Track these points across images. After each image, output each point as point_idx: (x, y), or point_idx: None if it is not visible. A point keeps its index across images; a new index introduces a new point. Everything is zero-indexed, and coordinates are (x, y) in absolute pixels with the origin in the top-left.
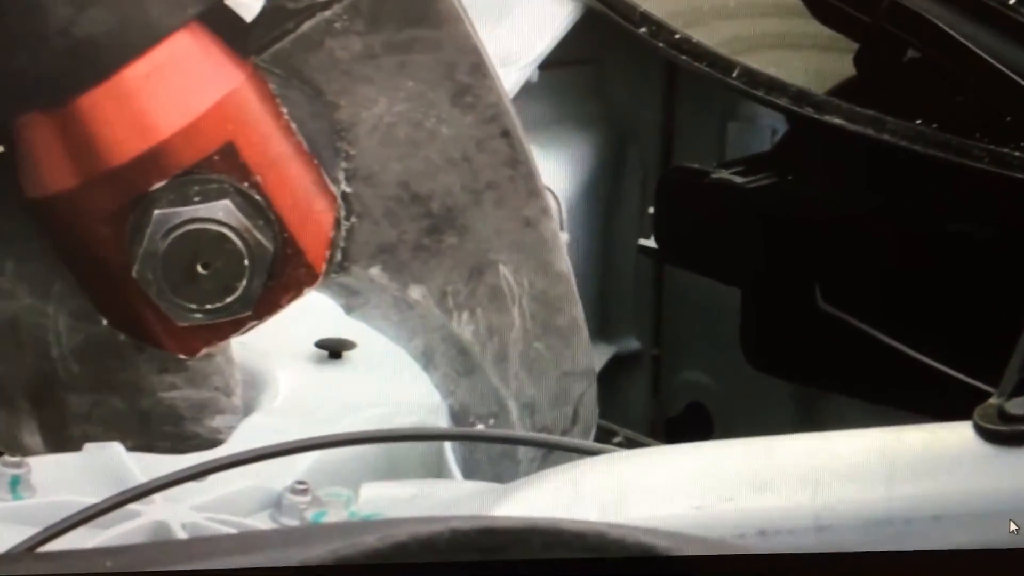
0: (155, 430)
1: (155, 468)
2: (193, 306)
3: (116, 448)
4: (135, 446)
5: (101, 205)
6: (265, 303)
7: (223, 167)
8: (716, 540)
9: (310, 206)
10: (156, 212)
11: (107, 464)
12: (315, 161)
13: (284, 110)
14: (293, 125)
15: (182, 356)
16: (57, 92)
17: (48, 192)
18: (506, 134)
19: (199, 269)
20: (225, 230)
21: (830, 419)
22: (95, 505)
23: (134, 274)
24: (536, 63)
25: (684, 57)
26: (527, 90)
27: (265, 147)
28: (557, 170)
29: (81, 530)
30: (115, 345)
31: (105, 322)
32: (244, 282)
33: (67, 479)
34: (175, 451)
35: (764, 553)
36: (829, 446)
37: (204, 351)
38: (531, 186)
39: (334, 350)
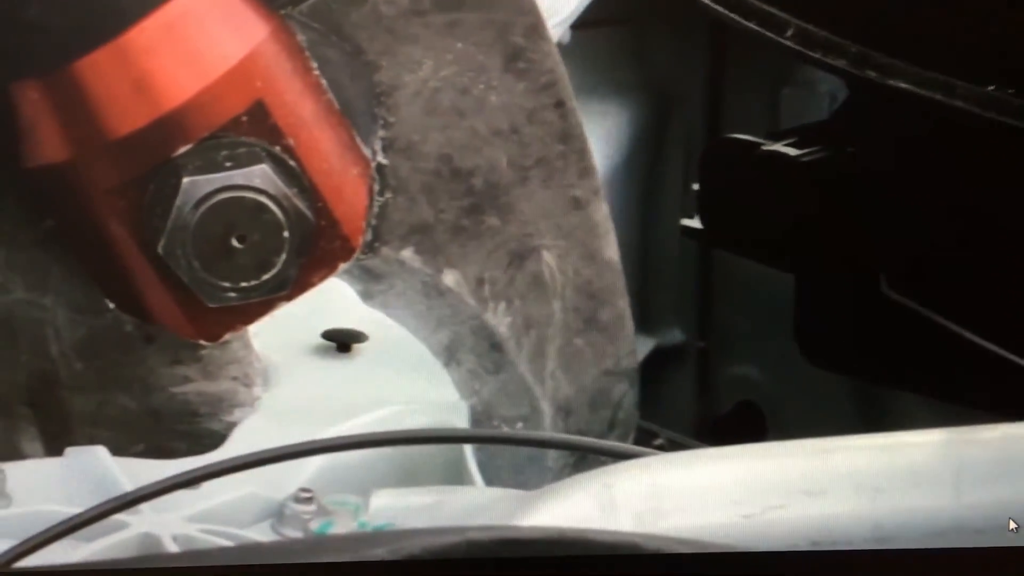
0: (168, 429)
1: (143, 474)
2: (227, 284)
3: (100, 452)
4: (147, 449)
5: (112, 174)
6: (298, 281)
7: (252, 129)
8: (767, 554)
9: (345, 172)
10: (185, 180)
11: (90, 470)
12: (347, 122)
13: (314, 65)
14: (324, 82)
15: (202, 342)
16: (55, 55)
17: (48, 161)
18: (560, 104)
19: (234, 243)
20: (263, 198)
21: (894, 419)
22: (77, 515)
23: (160, 250)
24: (568, 22)
25: (732, 15)
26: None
27: (297, 106)
28: (591, 143)
29: (62, 543)
30: (121, 338)
31: (112, 306)
32: (283, 256)
33: (46, 486)
34: (191, 452)
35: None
36: (891, 448)
37: (226, 336)
38: (583, 164)
39: (343, 342)
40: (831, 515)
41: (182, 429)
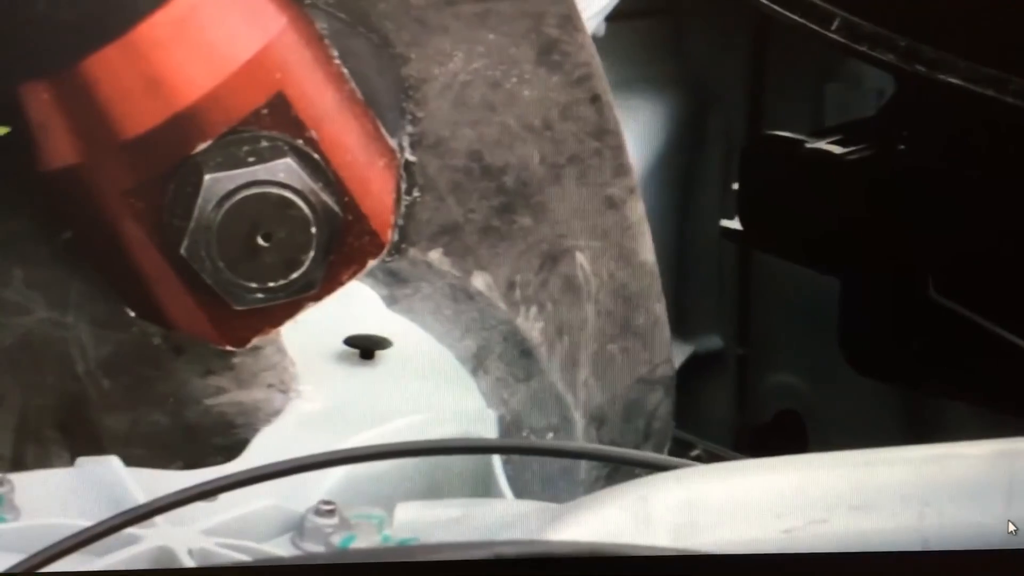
0: (204, 444)
1: (157, 486)
2: (253, 285)
3: (112, 463)
4: (184, 466)
5: (129, 175)
6: (326, 279)
7: (274, 122)
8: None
9: (371, 165)
10: (207, 177)
11: (102, 481)
12: (371, 112)
13: (335, 54)
14: (345, 71)
15: (229, 348)
16: (64, 53)
17: (61, 164)
18: (595, 99)
19: (259, 241)
20: (288, 193)
21: (942, 429)
22: (88, 529)
23: (183, 252)
24: (602, 14)
25: (775, 6)
26: None
27: (319, 97)
28: (627, 140)
29: (72, 558)
30: (149, 351)
31: (133, 315)
32: (311, 254)
33: (56, 499)
34: None
35: None
36: (940, 460)
37: (255, 341)
38: (619, 161)
39: (366, 348)
40: (876, 530)
41: (218, 442)
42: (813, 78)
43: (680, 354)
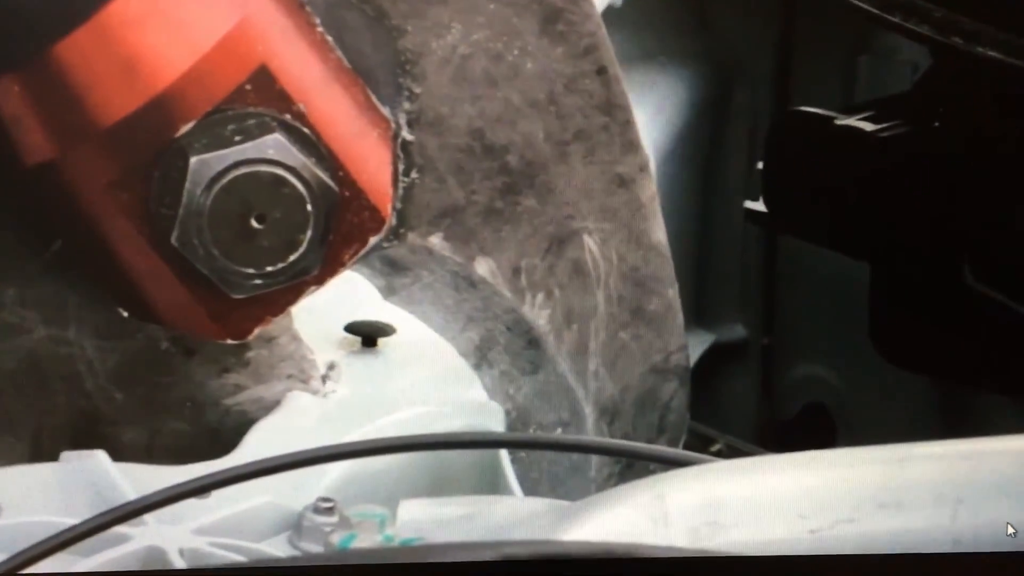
0: (230, 446)
1: (147, 481)
2: (251, 271)
3: (99, 457)
4: None
5: (111, 165)
6: (327, 261)
7: (259, 98)
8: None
9: (365, 136)
10: (193, 160)
11: (88, 476)
12: (360, 81)
13: (317, 21)
14: (329, 39)
15: (231, 341)
16: (31, 42)
17: (40, 159)
18: (602, 71)
19: (253, 223)
20: (280, 171)
21: (978, 423)
22: (74, 527)
23: (174, 241)
24: None
25: None
26: (608, 16)
27: (304, 68)
28: (645, 117)
29: (56, 558)
30: (159, 357)
31: (126, 315)
32: (309, 233)
33: (39, 495)
34: None
35: None
36: (975, 456)
37: (258, 331)
38: (628, 137)
39: (368, 336)
40: (907, 530)
41: None
42: (844, 50)
43: (701, 344)
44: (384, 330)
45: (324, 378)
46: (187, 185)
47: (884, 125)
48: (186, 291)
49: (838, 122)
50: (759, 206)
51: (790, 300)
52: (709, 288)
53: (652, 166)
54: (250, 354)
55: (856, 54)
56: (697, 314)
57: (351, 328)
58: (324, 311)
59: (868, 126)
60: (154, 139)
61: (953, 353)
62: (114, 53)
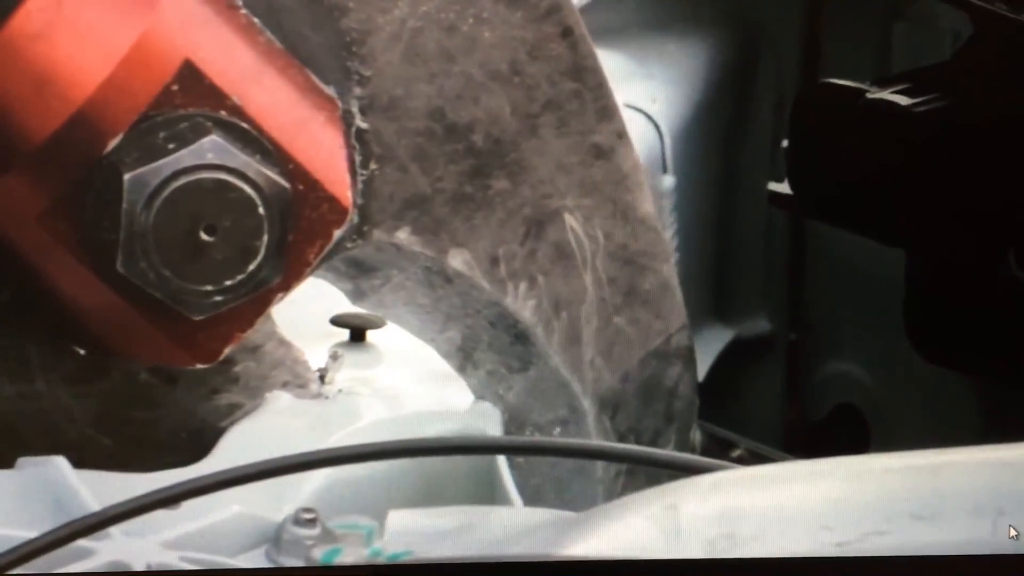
0: None
1: (112, 490)
2: (209, 288)
3: (58, 463)
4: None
5: (40, 194)
6: (290, 264)
7: (187, 97)
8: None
9: (310, 121)
10: (127, 176)
11: (47, 485)
12: (296, 61)
13: (239, 3)
14: (256, 21)
15: (200, 365)
16: None
17: None
18: (567, 33)
19: (203, 236)
20: (223, 175)
21: (1022, 427)
22: (31, 541)
23: (119, 268)
24: None
25: None
26: None
27: (232, 56)
28: (658, 91)
29: (12, 574)
30: (139, 391)
31: (83, 352)
32: (265, 238)
33: None
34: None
35: None
36: (1018, 464)
37: (228, 349)
38: (602, 103)
39: (356, 329)
40: (943, 543)
41: None
42: (877, 17)
43: (721, 339)
44: (373, 322)
45: (322, 376)
46: (124, 205)
47: (920, 99)
48: (142, 319)
49: (870, 95)
50: (784, 188)
51: (818, 291)
52: (730, 278)
53: (667, 144)
54: (237, 369)
55: (891, 20)
56: (716, 307)
57: (337, 321)
58: (304, 306)
59: (903, 100)
60: (82, 158)
61: (996, 350)
62: (24, 71)
